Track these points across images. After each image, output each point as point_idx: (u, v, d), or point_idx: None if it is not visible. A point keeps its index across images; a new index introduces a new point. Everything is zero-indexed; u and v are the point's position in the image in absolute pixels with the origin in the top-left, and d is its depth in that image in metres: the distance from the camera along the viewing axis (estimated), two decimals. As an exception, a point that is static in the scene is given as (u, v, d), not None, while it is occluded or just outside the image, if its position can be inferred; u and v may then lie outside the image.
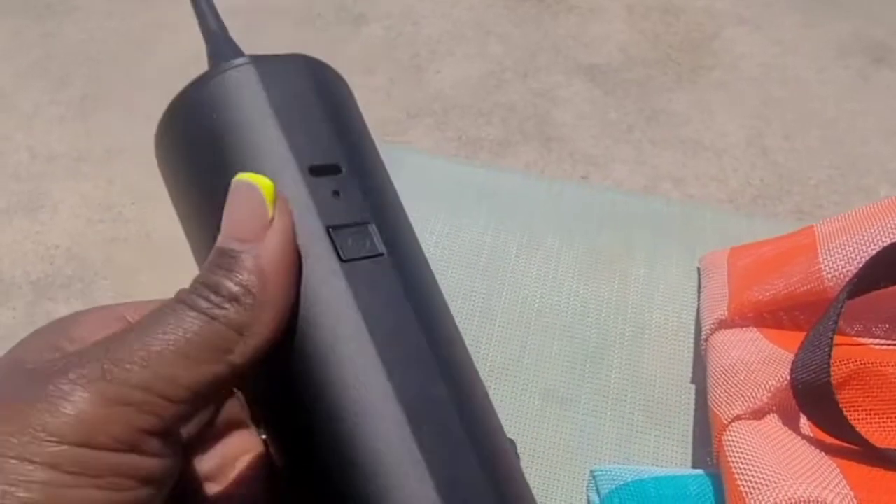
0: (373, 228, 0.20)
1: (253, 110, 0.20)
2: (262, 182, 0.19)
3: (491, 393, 0.48)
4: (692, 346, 0.55)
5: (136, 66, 1.54)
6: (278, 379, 0.19)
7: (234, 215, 0.19)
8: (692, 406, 0.53)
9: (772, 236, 0.55)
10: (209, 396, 0.18)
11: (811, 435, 0.45)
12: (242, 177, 0.19)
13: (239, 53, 0.23)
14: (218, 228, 0.19)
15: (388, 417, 0.18)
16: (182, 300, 0.18)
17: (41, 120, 1.45)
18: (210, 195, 0.20)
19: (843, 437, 0.42)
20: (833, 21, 1.75)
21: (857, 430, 0.41)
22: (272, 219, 0.19)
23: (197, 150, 0.21)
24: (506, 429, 0.50)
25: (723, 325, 0.52)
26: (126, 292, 1.20)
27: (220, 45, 0.24)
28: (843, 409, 0.43)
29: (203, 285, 0.18)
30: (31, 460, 0.15)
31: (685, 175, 1.41)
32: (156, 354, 0.17)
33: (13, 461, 0.15)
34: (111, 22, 1.63)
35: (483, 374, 0.51)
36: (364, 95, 1.27)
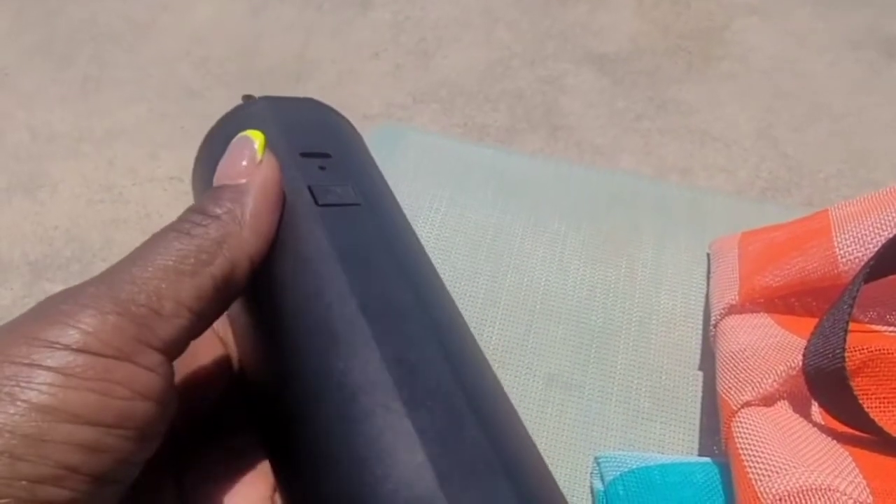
0: (352, 188, 0.23)
1: (261, 123, 0.24)
2: (255, 134, 0.22)
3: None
4: (700, 332, 0.54)
5: (137, 47, 1.53)
6: (258, 307, 0.21)
7: (228, 160, 0.22)
8: (699, 394, 0.51)
9: (784, 221, 0.54)
10: (197, 312, 0.19)
11: (822, 423, 0.44)
12: (242, 133, 0.22)
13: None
14: None
15: (355, 327, 0.19)
16: (170, 226, 0.20)
17: (42, 99, 1.43)
18: None
19: (856, 425, 0.41)
20: (846, 14, 1.72)
21: (872, 416, 0.40)
22: (260, 161, 0.21)
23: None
24: (508, 413, 0.49)
25: (733, 310, 0.51)
26: (125, 274, 1.19)
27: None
28: (858, 397, 0.42)
29: (190, 211, 0.21)
30: (37, 364, 0.16)
31: (693, 166, 1.39)
32: (144, 271, 0.18)
33: (18, 365, 0.16)
34: (114, 3, 1.62)
35: (487, 357, 0.50)
36: (370, 80, 1.26)
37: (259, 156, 0.21)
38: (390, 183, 0.62)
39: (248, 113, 0.25)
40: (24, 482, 0.15)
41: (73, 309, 0.17)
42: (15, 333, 0.17)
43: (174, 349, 0.19)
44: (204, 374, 0.23)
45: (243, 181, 0.21)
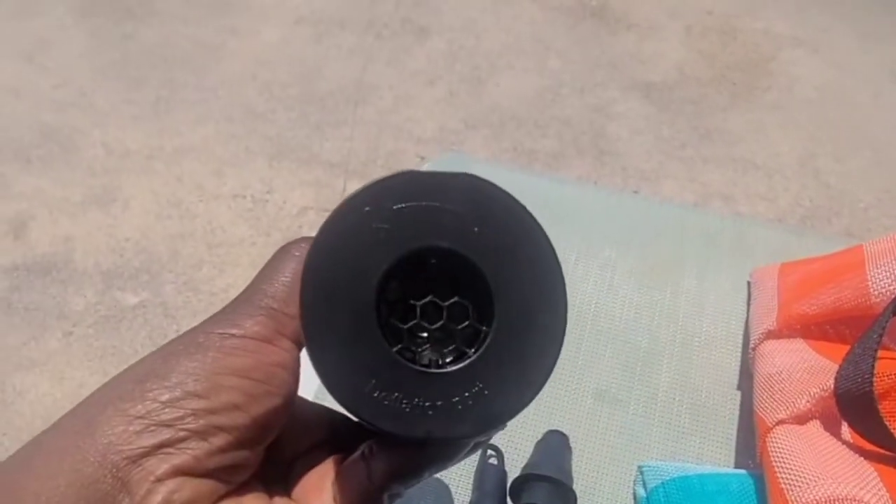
0: None
1: None
2: None
3: (545, 391, 0.51)
4: (739, 355, 0.58)
5: (206, 70, 1.62)
6: None
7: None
8: (736, 412, 0.55)
9: (821, 253, 0.57)
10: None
11: (851, 441, 0.47)
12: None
13: None
14: None
15: None
16: (286, 248, 0.26)
17: (116, 118, 1.52)
18: None
19: (882, 444, 0.45)
20: (890, 46, 1.74)
21: (897, 438, 0.44)
22: None
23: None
24: (559, 425, 0.54)
25: (771, 335, 0.54)
26: (190, 284, 1.26)
27: None
28: (884, 418, 0.45)
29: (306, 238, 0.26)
30: (211, 344, 0.23)
31: (735, 193, 1.42)
32: (272, 287, 0.25)
33: (202, 345, 0.23)
34: (186, 27, 1.71)
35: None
36: (425, 105, 1.32)
37: None
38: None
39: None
40: (203, 412, 0.22)
41: (233, 315, 0.24)
42: (196, 330, 0.24)
43: (299, 339, 0.25)
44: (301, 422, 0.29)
45: None
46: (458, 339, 0.23)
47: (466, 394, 0.22)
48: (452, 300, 0.23)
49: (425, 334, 0.23)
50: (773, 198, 1.42)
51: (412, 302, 0.23)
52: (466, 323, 0.23)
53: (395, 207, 0.22)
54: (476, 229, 0.23)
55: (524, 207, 0.24)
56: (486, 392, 0.23)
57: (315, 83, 1.59)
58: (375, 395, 0.22)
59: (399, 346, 0.22)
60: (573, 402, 0.54)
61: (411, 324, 0.23)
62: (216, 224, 1.34)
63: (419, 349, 0.23)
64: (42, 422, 1.10)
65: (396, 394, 0.22)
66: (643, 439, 0.53)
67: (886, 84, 1.65)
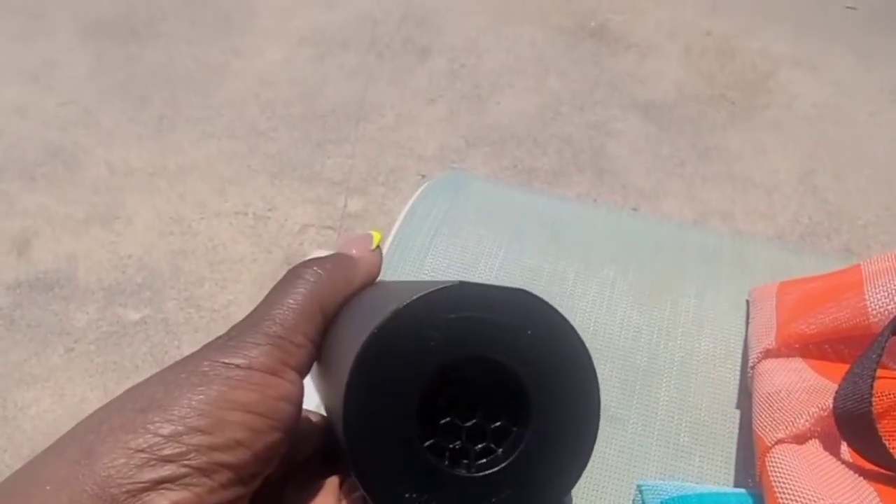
0: None
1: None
2: (377, 235, 0.29)
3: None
4: (738, 373, 0.58)
5: (209, 89, 1.63)
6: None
7: (352, 239, 0.28)
8: (736, 431, 0.55)
9: (820, 271, 0.57)
10: (315, 343, 0.26)
11: (851, 461, 0.47)
12: (367, 232, 0.29)
13: None
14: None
15: None
16: (294, 272, 0.27)
17: (120, 137, 1.54)
18: None
19: (881, 464, 0.45)
20: (887, 64, 1.75)
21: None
22: (373, 249, 0.29)
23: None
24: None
25: (769, 354, 0.55)
26: (191, 301, 1.27)
27: None
28: (884, 437, 0.45)
29: (307, 263, 0.28)
30: (216, 375, 0.23)
31: (734, 210, 1.43)
32: (281, 312, 0.25)
33: (206, 375, 0.23)
34: (190, 48, 1.73)
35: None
36: (426, 123, 1.34)
37: (373, 246, 0.29)
38: (456, 226, 0.67)
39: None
40: (206, 448, 0.21)
41: (239, 343, 0.24)
42: (199, 356, 0.23)
43: (304, 369, 0.25)
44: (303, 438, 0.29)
45: (353, 252, 0.28)
46: (489, 436, 0.24)
47: (495, 499, 0.23)
48: (487, 405, 0.24)
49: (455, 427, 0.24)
50: (772, 215, 1.43)
51: (447, 398, 0.24)
52: (499, 423, 0.24)
53: (447, 318, 0.23)
54: (524, 343, 0.24)
55: (571, 327, 0.26)
56: (516, 497, 0.23)
57: (317, 102, 1.60)
58: (408, 496, 0.22)
59: (431, 440, 0.23)
60: (573, 421, 0.54)
61: (445, 420, 0.24)
62: (218, 241, 1.35)
63: (449, 444, 0.24)
64: (43, 437, 1.10)
65: (429, 496, 0.22)
66: (642, 458, 0.53)
67: (885, 103, 1.67)
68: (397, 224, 0.69)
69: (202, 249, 1.34)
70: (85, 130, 1.55)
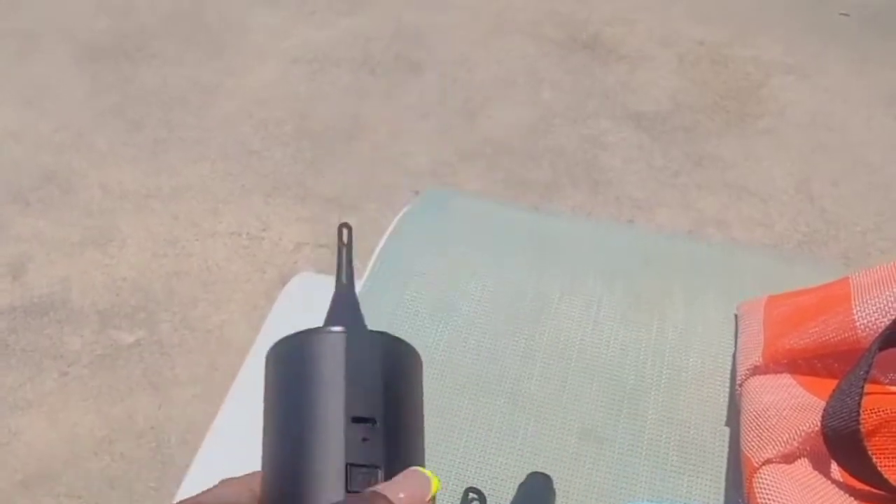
0: (380, 472, 0.27)
1: (331, 368, 0.28)
2: (435, 482, 0.27)
3: (529, 430, 0.51)
4: (728, 390, 0.57)
5: (203, 110, 1.64)
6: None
7: (409, 484, 0.27)
8: (726, 449, 0.54)
9: (812, 282, 0.56)
10: None
11: (841, 480, 0.46)
12: (423, 471, 0.28)
13: (352, 311, 0.31)
14: (278, 433, 0.28)
15: None
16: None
17: (115, 159, 1.54)
18: (283, 413, 0.28)
19: (871, 483, 0.44)
20: (880, 70, 1.75)
21: (886, 475, 0.43)
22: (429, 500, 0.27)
23: (286, 378, 0.29)
24: (542, 466, 0.53)
25: (757, 371, 0.54)
26: (185, 322, 1.26)
27: (340, 300, 0.32)
28: (874, 456, 0.45)
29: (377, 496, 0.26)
30: None
31: (730, 219, 1.42)
32: None
33: None
34: (183, 69, 1.73)
35: (524, 411, 0.54)
36: (419, 139, 1.34)
37: (429, 495, 0.27)
38: (439, 245, 0.67)
39: (328, 344, 0.28)
40: None
41: None
42: None
43: None
44: None
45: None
46: None
47: None
48: None
49: None
50: (769, 223, 1.42)
51: None
52: None
53: None
54: None
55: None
56: None
57: (310, 120, 1.61)
58: None
59: None
60: (557, 442, 0.54)
61: None
62: (212, 262, 1.34)
63: None
64: (36, 463, 1.10)
65: None
66: (630, 479, 0.52)
67: (879, 107, 1.66)
68: (380, 245, 0.68)
69: (196, 270, 1.33)
70: (79, 153, 1.55)
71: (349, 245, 0.32)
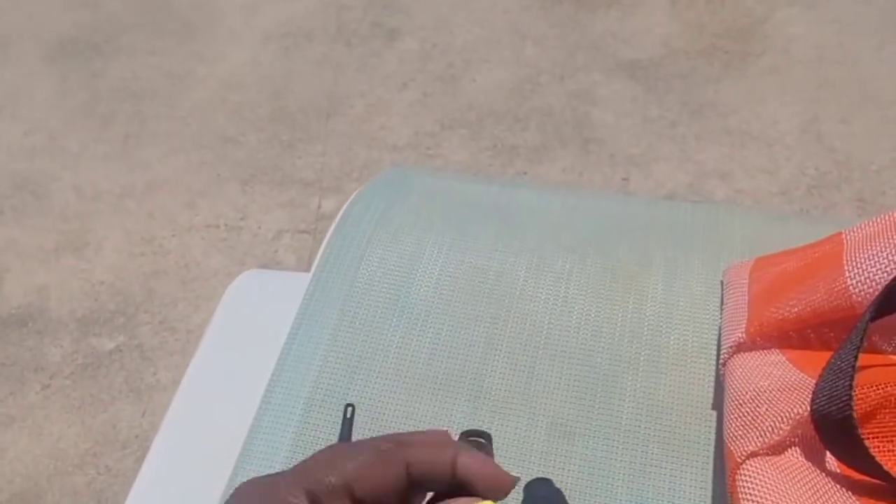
0: None
1: None
2: None
3: (494, 428, 0.46)
4: (714, 368, 0.51)
5: (174, 100, 1.58)
6: None
7: None
8: (713, 435, 0.48)
9: (808, 241, 0.50)
10: None
11: (837, 470, 0.40)
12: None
13: None
14: None
15: None
16: None
17: (87, 159, 1.49)
18: None
19: (869, 473, 0.38)
20: (890, -5, 1.65)
21: (887, 466, 0.37)
22: None
23: None
24: (509, 467, 0.47)
25: (741, 347, 0.48)
26: (166, 324, 1.22)
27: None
28: (875, 440, 0.39)
29: None
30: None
31: (732, 169, 1.34)
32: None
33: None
34: (153, 58, 1.67)
35: (487, 408, 0.48)
36: (399, 110, 1.26)
37: None
38: (393, 229, 0.61)
39: None
40: None
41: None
42: None
43: None
44: None
45: None
46: None
47: None
48: None
49: None
50: (774, 170, 1.34)
51: None
52: None
53: None
54: None
55: None
56: None
57: (285, 100, 1.54)
58: None
59: None
60: (523, 440, 0.48)
61: None
62: (190, 258, 1.29)
63: None
64: (21, 480, 1.07)
65: None
66: (606, 478, 0.47)
67: (889, 36, 1.56)
68: (328, 235, 0.62)
69: (174, 268, 1.29)
70: (50, 157, 1.50)
71: (351, 419, 0.35)
